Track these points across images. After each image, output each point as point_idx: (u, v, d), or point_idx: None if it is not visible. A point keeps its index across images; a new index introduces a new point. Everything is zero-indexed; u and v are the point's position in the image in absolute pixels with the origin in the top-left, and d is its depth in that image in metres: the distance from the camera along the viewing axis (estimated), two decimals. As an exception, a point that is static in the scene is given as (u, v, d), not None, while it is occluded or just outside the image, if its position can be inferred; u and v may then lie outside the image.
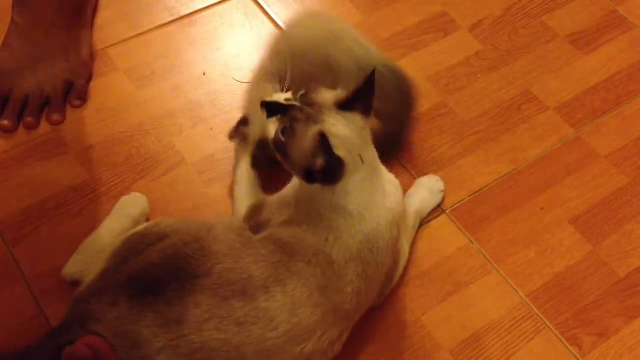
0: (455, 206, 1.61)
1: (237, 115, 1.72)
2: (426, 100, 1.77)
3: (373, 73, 1.25)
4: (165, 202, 1.58)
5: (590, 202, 1.63)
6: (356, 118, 1.25)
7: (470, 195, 1.63)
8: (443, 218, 1.59)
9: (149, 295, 1.16)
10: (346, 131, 1.23)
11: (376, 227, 1.27)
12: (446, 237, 1.56)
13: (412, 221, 1.52)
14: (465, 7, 1.98)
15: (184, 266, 1.19)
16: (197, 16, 1.92)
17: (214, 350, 1.14)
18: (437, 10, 1.97)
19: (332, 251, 1.24)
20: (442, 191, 1.61)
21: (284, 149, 1.24)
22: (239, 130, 1.56)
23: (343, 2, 1.95)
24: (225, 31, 1.90)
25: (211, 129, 1.70)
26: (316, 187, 1.25)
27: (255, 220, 1.37)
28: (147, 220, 1.52)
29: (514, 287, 1.50)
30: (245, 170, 1.56)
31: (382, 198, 1.29)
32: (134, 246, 1.25)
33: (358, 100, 1.25)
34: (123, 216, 1.50)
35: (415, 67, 1.85)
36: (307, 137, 1.21)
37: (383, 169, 1.35)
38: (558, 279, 1.52)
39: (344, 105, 1.25)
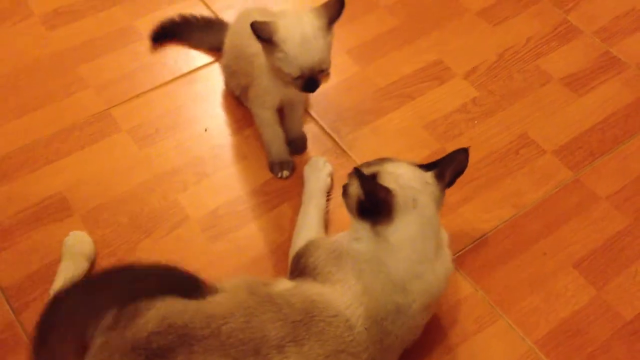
0: (458, 254, 1.61)
1: (239, 169, 1.75)
2: (425, 148, 1.79)
3: (464, 153, 1.37)
4: (170, 262, 1.59)
5: (592, 245, 1.64)
6: (425, 174, 1.35)
7: (473, 242, 1.64)
8: (447, 266, 1.60)
9: (157, 359, 1.17)
10: (405, 173, 1.33)
11: (410, 304, 1.28)
12: (450, 285, 1.56)
13: None
14: (459, 55, 2.01)
15: (186, 332, 1.19)
16: (197, 73, 1.96)
17: None
18: (431, 58, 2.00)
19: (352, 316, 1.25)
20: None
21: (346, 190, 1.39)
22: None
23: (339, 53, 1.99)
24: (225, 88, 1.93)
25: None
26: (369, 237, 1.30)
27: (303, 262, 1.39)
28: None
29: (521, 335, 1.50)
30: (316, 204, 1.61)
31: (430, 274, 1.30)
32: (128, 321, 1.25)
33: (438, 164, 1.37)
34: (75, 257, 1.54)
35: (412, 115, 1.88)
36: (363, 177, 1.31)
37: (445, 253, 1.37)
38: (564, 324, 1.52)
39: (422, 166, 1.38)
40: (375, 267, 1.29)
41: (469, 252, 1.62)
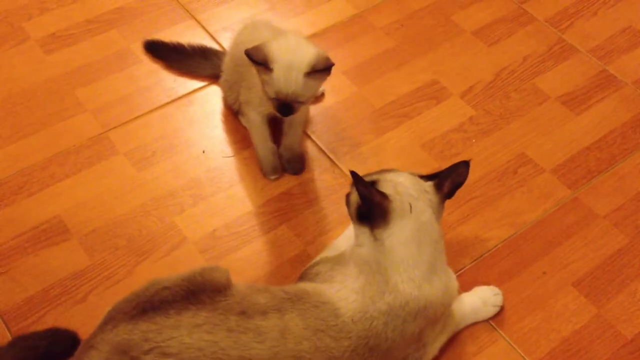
0: (458, 273, 1.61)
1: (237, 191, 1.75)
2: (423, 167, 1.79)
3: (464, 165, 1.40)
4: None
5: (592, 264, 1.63)
6: (424, 184, 1.39)
7: (472, 262, 1.63)
8: (446, 286, 1.59)
9: (150, 311, 1.20)
10: (404, 181, 1.37)
11: (403, 306, 1.29)
12: (450, 305, 1.56)
13: (452, 322, 1.48)
14: (455, 74, 2.02)
15: (203, 282, 1.23)
16: (194, 95, 1.96)
17: (202, 349, 1.17)
18: (427, 78, 2.01)
19: (343, 307, 1.28)
20: (497, 307, 1.55)
21: (347, 198, 1.44)
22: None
23: (336, 74, 1.99)
24: (223, 108, 1.94)
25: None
26: (369, 242, 1.34)
27: (308, 274, 1.43)
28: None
29: (522, 355, 1.49)
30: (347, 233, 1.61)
31: (425, 282, 1.31)
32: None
33: (438, 175, 1.41)
34: None
35: (410, 134, 1.88)
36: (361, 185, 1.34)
37: (446, 267, 1.39)
38: (565, 344, 1.51)
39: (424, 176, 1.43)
40: (374, 267, 1.32)
41: (469, 272, 1.61)
